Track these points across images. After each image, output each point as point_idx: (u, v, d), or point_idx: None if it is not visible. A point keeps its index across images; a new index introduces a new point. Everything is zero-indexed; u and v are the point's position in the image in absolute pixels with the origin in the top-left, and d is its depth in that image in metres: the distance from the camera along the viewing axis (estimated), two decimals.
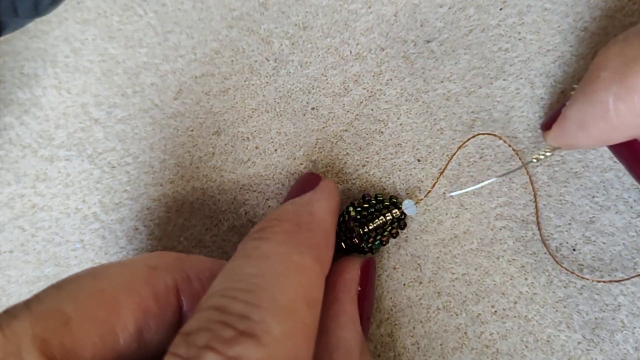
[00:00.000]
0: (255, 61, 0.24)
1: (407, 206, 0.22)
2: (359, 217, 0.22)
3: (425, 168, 0.23)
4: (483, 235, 0.22)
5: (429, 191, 0.22)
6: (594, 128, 0.16)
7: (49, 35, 0.24)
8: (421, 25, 0.23)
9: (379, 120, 0.23)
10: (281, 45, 0.24)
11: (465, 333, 0.22)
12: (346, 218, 0.21)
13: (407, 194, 0.23)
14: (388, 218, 0.22)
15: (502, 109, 0.23)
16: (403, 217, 0.22)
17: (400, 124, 0.23)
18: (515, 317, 0.22)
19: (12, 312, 0.15)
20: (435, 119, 0.23)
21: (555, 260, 0.22)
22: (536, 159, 0.20)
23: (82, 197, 0.24)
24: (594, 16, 0.22)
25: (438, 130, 0.23)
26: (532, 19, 0.23)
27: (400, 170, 0.23)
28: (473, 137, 0.22)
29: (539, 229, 0.22)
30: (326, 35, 0.23)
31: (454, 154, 0.23)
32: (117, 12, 0.24)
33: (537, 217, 0.22)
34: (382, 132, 0.23)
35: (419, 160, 0.23)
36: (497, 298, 0.22)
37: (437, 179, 0.22)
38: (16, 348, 0.14)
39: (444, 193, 0.22)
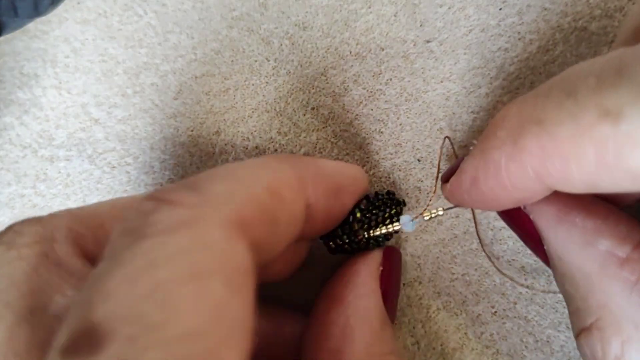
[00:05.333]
0: (256, 61, 0.24)
1: (405, 222, 0.21)
2: (364, 218, 0.21)
3: (425, 168, 0.23)
4: (483, 236, 0.22)
5: (425, 209, 0.21)
6: (486, 186, 0.16)
7: (49, 36, 0.24)
8: (421, 25, 0.23)
9: (378, 120, 0.23)
10: (281, 45, 0.24)
11: (466, 333, 0.22)
12: (350, 220, 0.21)
13: (408, 198, 0.23)
14: (390, 230, 0.21)
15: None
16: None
17: (400, 124, 0.23)
18: (515, 317, 0.22)
19: (53, 212, 0.16)
20: (435, 119, 0.23)
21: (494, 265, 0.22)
22: (428, 216, 0.21)
23: (82, 197, 0.24)
24: (594, 16, 0.22)
25: (438, 130, 0.23)
26: (531, 19, 0.23)
27: (400, 170, 0.23)
28: (443, 143, 0.22)
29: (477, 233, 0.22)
30: (326, 35, 0.23)
31: (438, 165, 0.22)
32: (117, 12, 0.24)
33: (476, 225, 0.22)
34: (381, 132, 0.23)
35: (419, 160, 0.23)
36: (497, 298, 0.22)
37: (433, 193, 0.22)
38: (51, 235, 0.15)
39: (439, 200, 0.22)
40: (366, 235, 0.21)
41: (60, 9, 0.24)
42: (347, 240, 0.21)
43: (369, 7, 0.23)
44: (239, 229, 0.13)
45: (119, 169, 0.24)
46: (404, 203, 0.22)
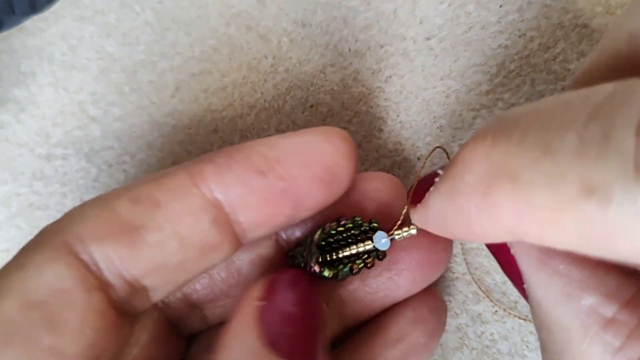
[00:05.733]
0: (254, 58, 0.24)
1: (379, 240, 0.18)
2: (325, 242, 0.19)
3: (425, 166, 0.23)
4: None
5: (398, 224, 0.18)
6: (456, 230, 0.14)
7: (46, 33, 0.24)
8: (420, 22, 0.23)
9: (378, 118, 0.23)
10: (279, 42, 0.23)
11: (466, 333, 0.22)
12: (308, 242, 0.18)
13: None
14: (360, 250, 0.18)
15: (503, 106, 0.23)
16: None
17: (400, 122, 0.23)
18: (515, 317, 0.22)
19: None
20: (435, 117, 0.23)
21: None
22: (398, 235, 0.18)
23: (79, 195, 0.24)
24: (595, 13, 0.22)
25: (438, 128, 0.23)
26: (532, 16, 0.23)
27: (399, 169, 0.23)
28: (430, 153, 0.20)
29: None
30: (325, 32, 0.23)
31: (419, 174, 0.20)
32: (114, 10, 0.24)
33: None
34: (381, 130, 0.23)
35: (418, 159, 0.23)
36: (498, 297, 0.22)
37: (404, 212, 0.18)
38: None
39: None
40: (329, 258, 0.18)
41: (57, 6, 0.24)
42: (303, 264, 0.18)
43: (368, 4, 0.23)
44: None
45: (116, 167, 0.24)
46: (375, 226, 0.19)
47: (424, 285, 0.19)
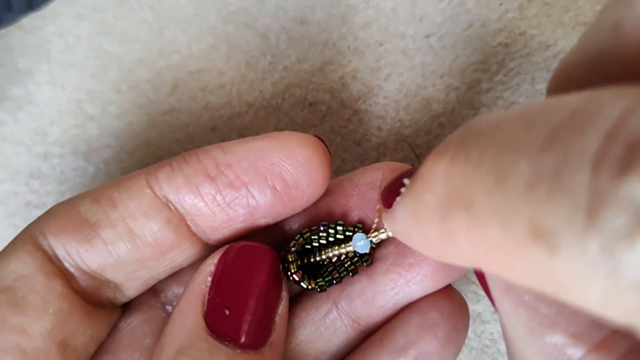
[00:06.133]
0: (252, 56, 0.23)
1: (357, 241, 0.17)
2: (309, 247, 0.18)
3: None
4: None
5: (374, 227, 0.18)
6: (420, 247, 0.13)
7: (43, 31, 0.24)
8: (420, 20, 0.23)
9: (377, 116, 0.23)
10: (278, 40, 0.23)
11: None
12: (287, 248, 0.18)
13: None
14: (342, 251, 0.18)
15: (503, 104, 0.22)
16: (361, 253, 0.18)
17: (399, 120, 0.23)
18: None
19: None
20: (434, 115, 0.23)
21: None
22: (375, 237, 0.17)
23: (76, 194, 0.24)
24: (595, 10, 0.22)
25: (438, 126, 0.23)
26: (532, 14, 0.22)
27: None
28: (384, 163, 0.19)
29: None
30: (324, 30, 0.23)
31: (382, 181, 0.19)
32: (112, 8, 0.24)
33: None
34: (380, 128, 0.23)
35: (418, 157, 0.23)
36: None
37: (377, 216, 0.18)
38: None
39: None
40: (307, 261, 0.18)
41: (54, 4, 0.24)
42: (282, 269, 0.18)
43: (367, 2, 0.23)
44: None
45: (114, 165, 0.24)
46: (359, 227, 0.18)
47: (439, 282, 0.17)
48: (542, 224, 0.08)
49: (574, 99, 0.09)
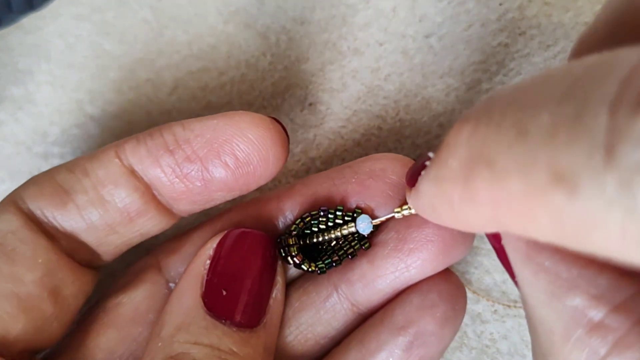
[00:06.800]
0: (252, 56, 0.23)
1: (361, 222, 0.18)
2: (308, 231, 0.19)
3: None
4: (482, 234, 0.22)
5: (380, 222, 0.18)
6: (444, 215, 0.13)
7: (43, 31, 0.24)
8: (420, 20, 0.23)
9: (377, 116, 0.23)
10: (278, 40, 0.23)
11: (465, 332, 0.22)
12: (287, 231, 0.18)
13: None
14: (344, 232, 0.18)
15: None
16: (361, 234, 0.18)
17: (399, 120, 0.23)
18: (515, 316, 0.22)
19: None
20: (434, 115, 0.23)
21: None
22: (398, 212, 0.18)
23: None
24: (595, 11, 0.22)
25: (437, 126, 0.23)
26: (532, 14, 0.22)
27: None
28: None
29: None
30: (324, 30, 0.23)
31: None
32: (112, 8, 0.24)
33: None
34: (380, 128, 0.23)
35: (418, 157, 0.23)
36: (497, 297, 0.22)
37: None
38: None
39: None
40: (308, 241, 0.19)
41: (54, 4, 0.24)
42: (283, 252, 0.18)
43: (367, 2, 0.23)
44: None
45: None
46: (357, 212, 0.19)
47: (438, 266, 0.18)
48: (562, 168, 0.09)
49: (592, 57, 0.09)
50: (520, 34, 0.23)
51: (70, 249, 0.18)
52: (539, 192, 0.09)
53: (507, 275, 0.22)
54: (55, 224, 0.18)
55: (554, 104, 0.09)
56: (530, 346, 0.21)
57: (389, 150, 0.23)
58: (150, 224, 0.19)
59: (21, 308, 0.16)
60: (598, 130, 0.08)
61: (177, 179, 0.18)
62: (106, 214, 0.18)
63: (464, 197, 0.12)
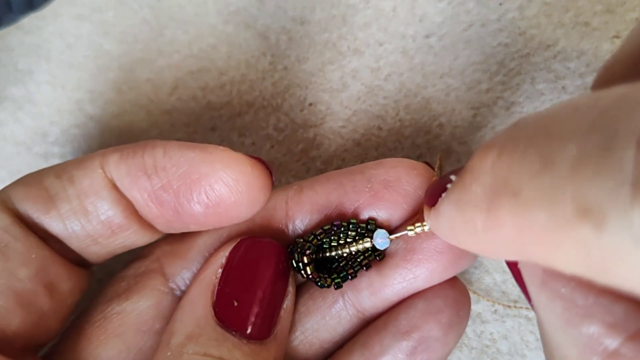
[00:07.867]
0: (252, 56, 0.23)
1: (379, 237, 0.18)
2: (323, 246, 0.18)
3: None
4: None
5: (399, 231, 0.18)
6: (465, 241, 0.14)
7: (43, 31, 0.24)
8: (420, 20, 0.23)
9: (377, 116, 0.23)
10: (278, 40, 0.23)
11: (465, 332, 0.22)
12: (299, 245, 0.18)
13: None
14: (359, 248, 0.18)
15: (503, 104, 0.22)
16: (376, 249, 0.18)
17: (399, 120, 0.23)
18: (515, 316, 0.22)
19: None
20: (434, 115, 0.23)
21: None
22: (411, 230, 0.17)
23: None
24: (595, 11, 0.22)
25: (437, 126, 0.23)
26: (532, 14, 0.22)
27: None
28: None
29: None
30: (324, 30, 0.23)
31: None
32: (112, 8, 0.24)
33: None
34: (380, 128, 0.23)
35: (418, 157, 0.23)
36: (497, 297, 0.22)
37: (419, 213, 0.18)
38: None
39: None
40: (322, 255, 0.18)
41: (54, 4, 0.24)
42: (296, 266, 0.18)
43: (367, 2, 0.23)
44: None
45: None
46: (370, 224, 0.18)
47: (446, 276, 0.18)
48: (588, 202, 0.09)
49: (619, 88, 0.09)
50: (520, 34, 0.22)
51: (59, 249, 0.18)
52: (565, 224, 0.09)
53: (507, 276, 0.22)
54: (42, 226, 0.18)
55: (581, 135, 0.09)
56: (529, 346, 0.21)
57: (389, 150, 0.23)
58: (134, 238, 0.18)
59: (18, 303, 0.16)
60: (626, 164, 0.08)
61: (152, 204, 0.17)
62: (88, 224, 0.18)
63: (487, 225, 0.12)
